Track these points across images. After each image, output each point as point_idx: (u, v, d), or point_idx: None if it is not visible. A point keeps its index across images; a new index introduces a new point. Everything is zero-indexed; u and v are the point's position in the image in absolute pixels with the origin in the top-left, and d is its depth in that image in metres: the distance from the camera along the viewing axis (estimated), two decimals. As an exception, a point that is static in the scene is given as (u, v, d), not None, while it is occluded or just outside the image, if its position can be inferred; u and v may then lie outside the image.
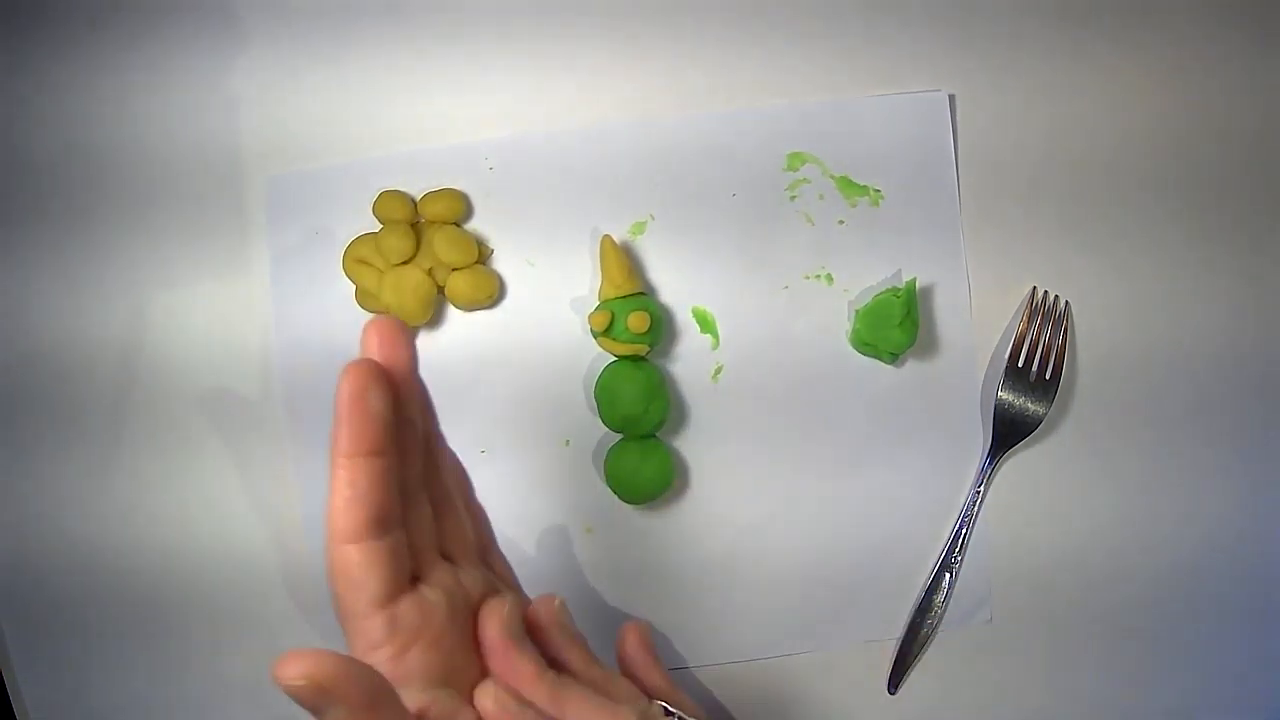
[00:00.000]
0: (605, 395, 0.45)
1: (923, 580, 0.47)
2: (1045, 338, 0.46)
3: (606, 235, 0.46)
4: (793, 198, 0.47)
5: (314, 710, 0.23)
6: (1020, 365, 0.46)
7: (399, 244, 0.45)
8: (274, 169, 0.48)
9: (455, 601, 0.30)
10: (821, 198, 0.47)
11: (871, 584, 0.47)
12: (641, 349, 0.44)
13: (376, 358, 0.27)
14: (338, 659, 0.23)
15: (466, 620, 0.30)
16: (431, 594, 0.29)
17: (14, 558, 0.48)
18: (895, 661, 0.47)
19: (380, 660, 0.27)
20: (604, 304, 0.45)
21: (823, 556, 0.47)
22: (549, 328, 0.47)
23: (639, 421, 0.44)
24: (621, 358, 0.45)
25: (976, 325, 0.47)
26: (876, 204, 0.47)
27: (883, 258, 0.47)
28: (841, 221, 0.47)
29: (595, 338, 0.45)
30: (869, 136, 0.47)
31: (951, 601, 0.46)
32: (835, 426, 0.47)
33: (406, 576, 0.28)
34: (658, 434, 0.46)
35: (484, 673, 0.30)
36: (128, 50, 0.48)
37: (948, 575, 0.46)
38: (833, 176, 0.47)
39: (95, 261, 0.48)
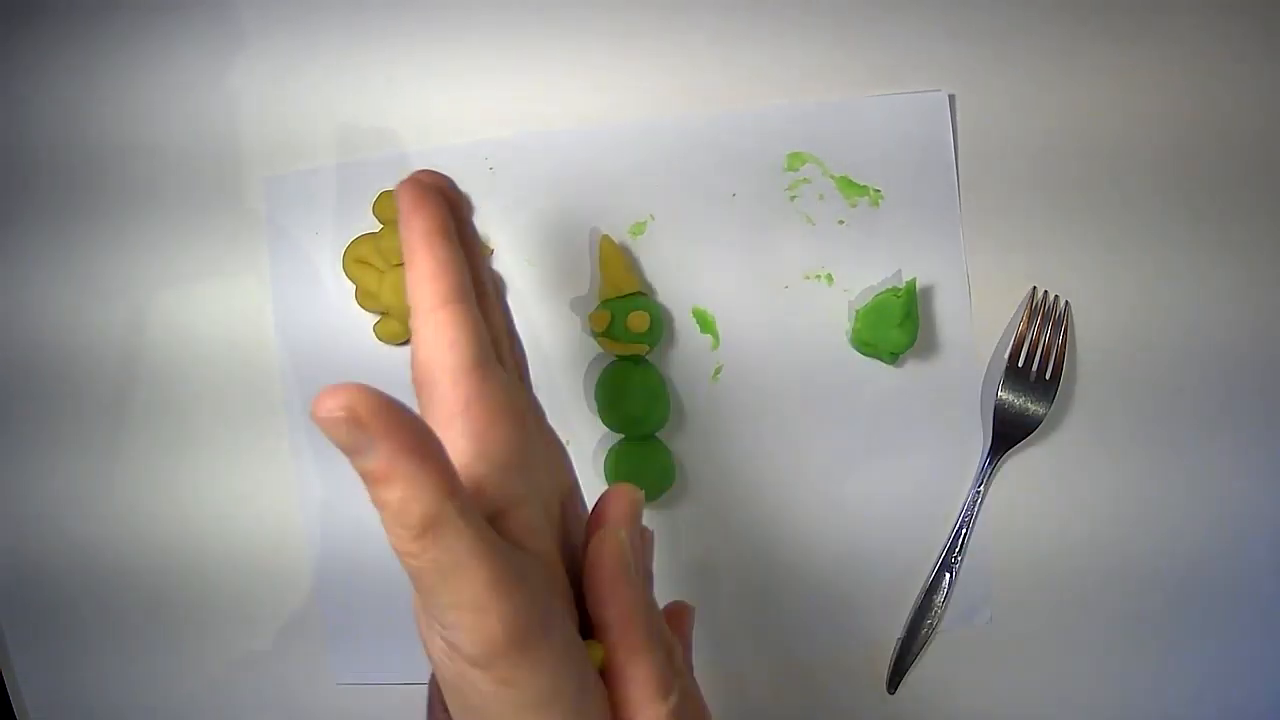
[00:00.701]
0: (605, 395, 0.45)
1: (923, 580, 0.47)
2: (1045, 338, 0.46)
3: (605, 235, 0.46)
4: (793, 198, 0.47)
5: (351, 450, 0.21)
6: (1020, 365, 0.46)
7: (399, 244, 0.45)
8: (274, 169, 0.48)
9: (525, 393, 0.29)
10: (821, 198, 0.47)
11: (871, 584, 0.47)
12: (641, 349, 0.44)
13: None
14: (380, 395, 0.21)
15: (536, 422, 0.29)
16: (512, 380, 0.28)
17: (14, 558, 0.48)
18: (895, 661, 0.47)
19: (460, 432, 0.25)
20: (604, 304, 0.45)
21: (822, 556, 0.47)
22: (549, 328, 0.47)
23: (639, 421, 0.44)
24: (621, 358, 0.45)
25: (976, 325, 0.47)
26: (876, 204, 0.47)
27: (883, 258, 0.47)
28: (841, 221, 0.47)
29: (595, 338, 0.45)
30: (869, 136, 0.47)
31: (951, 601, 0.46)
32: (835, 426, 0.47)
33: (490, 351, 0.27)
34: (658, 434, 0.46)
35: (553, 483, 0.29)
36: (128, 50, 0.48)
37: (948, 575, 0.46)
38: (833, 176, 0.47)
39: (95, 261, 0.48)
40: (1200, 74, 0.47)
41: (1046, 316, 0.46)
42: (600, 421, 0.45)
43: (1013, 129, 0.47)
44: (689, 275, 0.47)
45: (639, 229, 0.47)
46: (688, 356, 0.47)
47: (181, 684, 0.48)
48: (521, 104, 0.48)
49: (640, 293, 0.45)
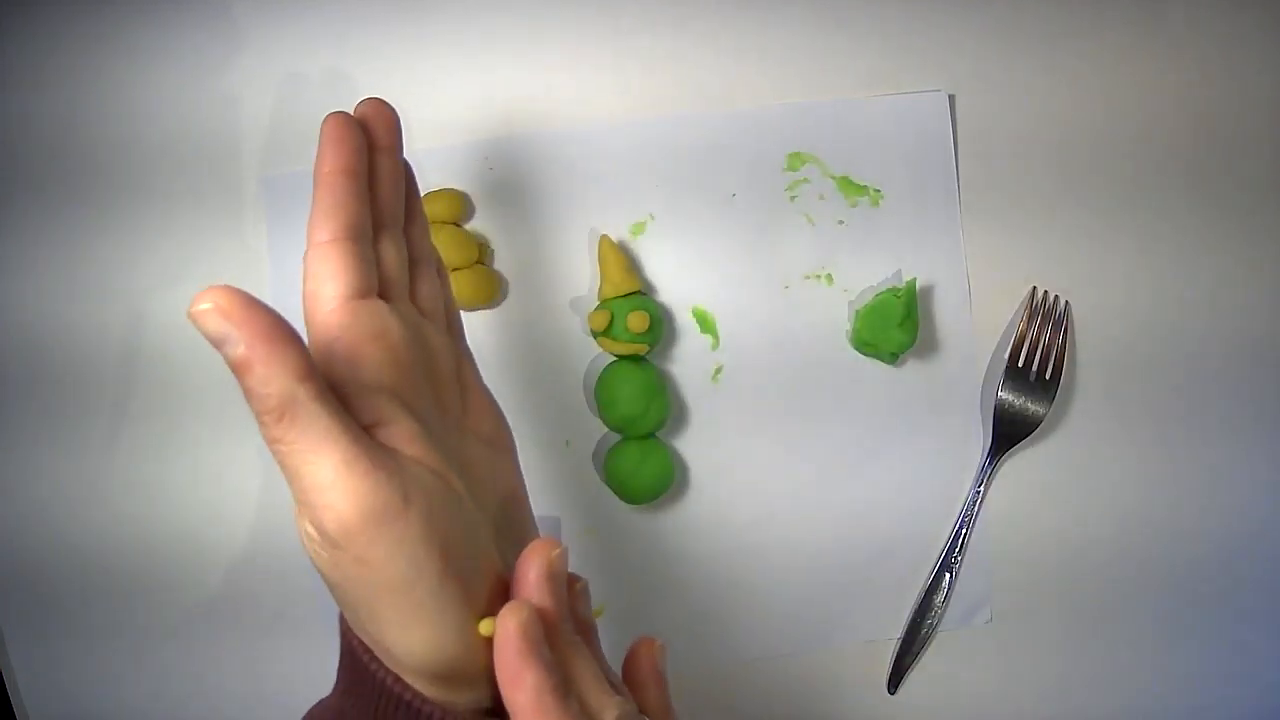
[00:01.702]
0: (605, 395, 0.45)
1: (923, 580, 0.47)
2: (1045, 338, 0.46)
3: (604, 235, 0.46)
4: (793, 198, 0.47)
5: (219, 341, 0.23)
6: (1020, 365, 0.46)
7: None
8: (273, 169, 0.48)
9: (420, 337, 0.29)
10: (821, 198, 0.47)
11: (871, 584, 0.47)
12: (641, 348, 0.44)
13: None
14: (244, 293, 0.23)
15: (430, 365, 0.30)
16: (394, 314, 0.28)
17: (15, 558, 0.48)
18: (895, 661, 0.47)
19: (335, 357, 0.26)
20: (603, 303, 0.45)
21: (822, 556, 0.47)
22: (549, 328, 0.47)
23: (639, 421, 0.44)
24: (621, 358, 0.45)
25: (976, 325, 0.47)
26: (876, 204, 0.47)
27: (883, 258, 0.47)
28: (841, 221, 0.47)
29: (595, 338, 0.45)
30: (869, 136, 0.47)
31: (951, 601, 0.46)
32: (835, 426, 0.47)
33: (373, 286, 0.28)
34: (658, 434, 0.46)
35: (450, 424, 0.30)
36: (127, 49, 0.48)
37: (948, 575, 0.46)
38: (833, 176, 0.47)
39: (94, 260, 0.48)
40: (1201, 74, 0.47)
41: (1046, 316, 0.46)
42: (600, 421, 0.45)
43: (1013, 129, 0.47)
44: (689, 275, 0.47)
45: (639, 229, 0.47)
46: (688, 356, 0.47)
47: (181, 684, 0.48)
48: (521, 104, 0.48)
49: (640, 292, 0.45)
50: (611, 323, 0.44)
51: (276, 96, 0.48)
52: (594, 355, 0.46)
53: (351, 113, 0.30)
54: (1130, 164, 0.47)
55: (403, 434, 0.26)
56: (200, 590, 0.48)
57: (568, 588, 0.29)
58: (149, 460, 0.48)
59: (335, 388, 0.26)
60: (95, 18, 0.48)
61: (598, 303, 0.45)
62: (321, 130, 0.29)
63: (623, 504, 0.46)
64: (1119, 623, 0.47)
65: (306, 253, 0.28)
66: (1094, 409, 0.47)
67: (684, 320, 0.47)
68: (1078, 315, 0.47)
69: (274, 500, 0.47)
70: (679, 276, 0.47)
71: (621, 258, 0.45)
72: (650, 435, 0.45)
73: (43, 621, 0.48)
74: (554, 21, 0.47)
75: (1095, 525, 0.47)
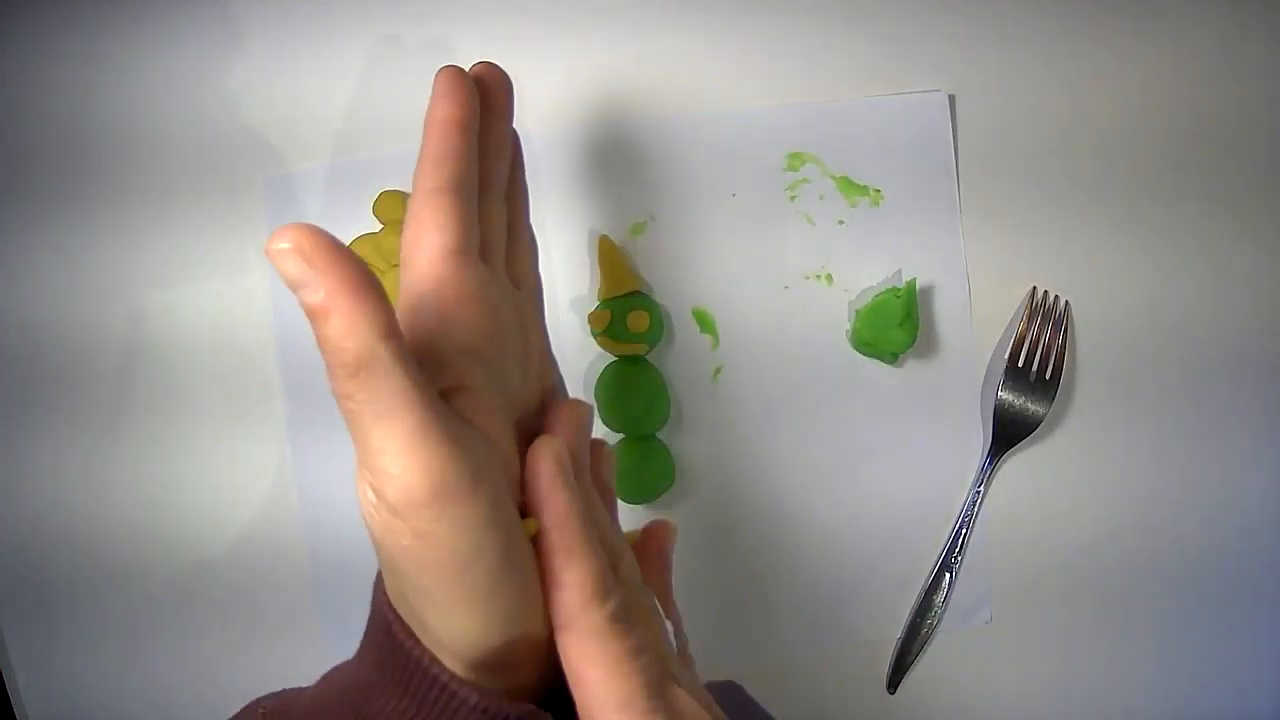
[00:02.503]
0: (605, 395, 0.45)
1: (923, 580, 0.47)
2: (1045, 337, 0.46)
3: (603, 235, 0.46)
4: (793, 198, 0.47)
5: (297, 284, 0.22)
6: (1020, 365, 0.46)
7: (399, 245, 0.45)
8: (273, 169, 0.48)
9: (515, 308, 0.29)
10: (821, 198, 0.47)
11: (871, 584, 0.47)
12: (641, 348, 0.44)
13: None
14: (328, 235, 0.22)
15: (520, 339, 0.29)
16: (495, 278, 0.28)
17: (14, 556, 0.48)
18: (895, 661, 0.47)
19: (428, 310, 0.26)
20: (603, 303, 0.45)
21: (822, 556, 0.47)
22: (549, 327, 0.47)
23: (639, 421, 0.44)
24: (621, 358, 0.45)
25: (976, 325, 0.47)
26: (876, 204, 0.47)
27: (883, 258, 0.47)
28: (841, 221, 0.47)
29: (595, 338, 0.45)
30: (869, 136, 0.47)
31: (951, 601, 0.46)
32: (835, 426, 0.47)
33: (476, 244, 0.27)
34: (658, 434, 0.46)
35: (528, 389, 0.29)
36: (129, 49, 0.48)
37: (948, 575, 0.46)
38: (833, 176, 0.47)
39: (95, 260, 0.48)
40: (1201, 73, 0.47)
41: (1046, 316, 0.46)
42: (600, 421, 0.46)
43: (1013, 129, 0.47)
44: (689, 275, 0.47)
45: (639, 229, 0.47)
46: (688, 356, 0.47)
47: (181, 683, 0.48)
48: (522, 104, 0.47)
49: (640, 292, 0.45)
50: (611, 323, 0.44)
51: (277, 96, 0.48)
52: (594, 355, 0.46)
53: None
54: (1130, 163, 0.47)
55: (482, 405, 0.25)
56: (201, 590, 0.48)
57: (592, 450, 0.30)
58: (149, 459, 0.48)
59: (420, 341, 0.25)
60: (95, 17, 0.48)
61: (598, 303, 0.45)
62: (435, 81, 0.29)
63: (623, 504, 0.46)
64: (1119, 622, 0.47)
65: (412, 199, 0.27)
66: (1094, 409, 0.47)
67: (684, 320, 0.47)
68: (1078, 315, 0.47)
69: (275, 499, 0.47)
70: (679, 276, 0.47)
71: (621, 258, 0.45)
72: (650, 435, 0.45)
73: (43, 621, 0.48)
74: (554, 22, 0.47)
75: (1095, 525, 0.47)
